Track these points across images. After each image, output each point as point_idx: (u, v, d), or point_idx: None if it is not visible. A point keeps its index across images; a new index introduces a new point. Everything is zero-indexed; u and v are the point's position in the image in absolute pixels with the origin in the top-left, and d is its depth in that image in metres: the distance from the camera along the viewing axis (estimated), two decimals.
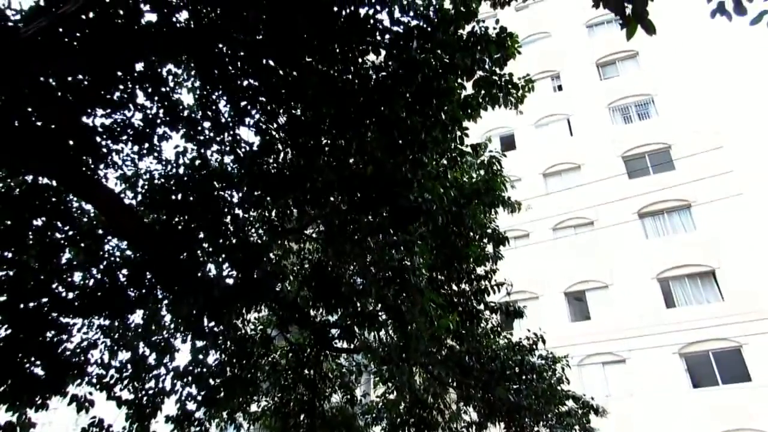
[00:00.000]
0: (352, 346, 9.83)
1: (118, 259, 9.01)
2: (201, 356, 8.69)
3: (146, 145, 8.91)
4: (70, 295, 8.40)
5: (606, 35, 34.07)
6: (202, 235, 8.51)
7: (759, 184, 26.02)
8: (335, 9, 7.08)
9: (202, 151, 9.23)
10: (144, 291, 8.66)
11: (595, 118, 32.27)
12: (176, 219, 8.55)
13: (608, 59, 33.96)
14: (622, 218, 28.26)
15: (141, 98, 8.52)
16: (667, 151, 29.14)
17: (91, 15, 7.08)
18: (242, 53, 7.87)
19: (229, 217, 8.87)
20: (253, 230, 9.75)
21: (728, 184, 26.13)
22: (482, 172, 10.32)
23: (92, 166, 8.10)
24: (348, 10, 6.64)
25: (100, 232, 8.74)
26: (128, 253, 9.10)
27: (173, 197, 8.66)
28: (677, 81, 30.31)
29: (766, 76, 27.57)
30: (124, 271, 8.80)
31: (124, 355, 9.35)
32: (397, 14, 6.89)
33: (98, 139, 8.26)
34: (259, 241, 9.14)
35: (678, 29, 30.35)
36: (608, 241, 28.29)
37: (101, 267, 8.76)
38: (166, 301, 9.15)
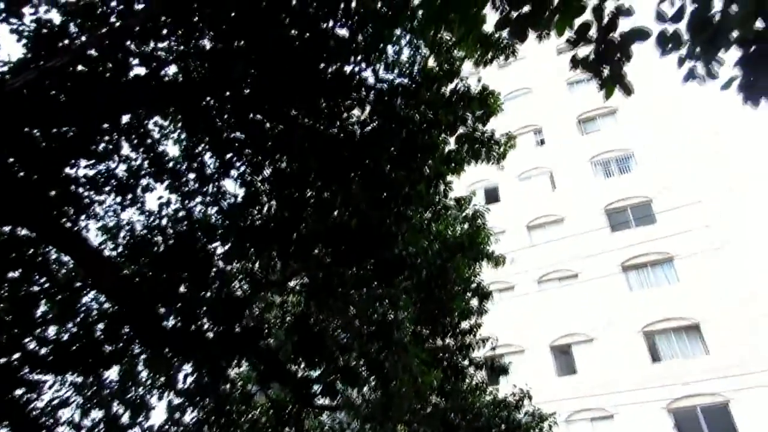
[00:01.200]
0: (334, 403, 9.58)
1: (95, 313, 8.80)
2: (178, 414, 8.40)
3: (129, 196, 8.86)
4: (44, 351, 8.15)
5: (586, 92, 35.07)
6: (183, 289, 8.37)
7: (737, 238, 26.39)
8: (322, 65, 7.24)
9: (186, 202, 9.19)
10: (121, 346, 8.43)
11: (577, 172, 32.84)
12: (157, 271, 8.42)
13: (589, 115, 34.86)
14: (606, 271, 28.38)
15: (126, 149, 8.55)
16: (648, 204, 29.61)
17: (79, 68, 7.17)
18: (229, 106, 7.96)
19: (212, 269, 8.75)
20: (235, 283, 9.62)
21: (708, 238, 26.50)
22: (466, 225, 10.36)
23: (73, 217, 8.02)
24: (334, 67, 6.78)
25: (78, 284, 8.57)
26: (106, 306, 8.90)
27: (155, 249, 8.56)
28: (655, 136, 31.11)
29: (740, 132, 28.37)
30: (101, 325, 8.58)
31: (96, 414, 9.01)
32: (382, 72, 7.05)
33: (81, 189, 8.20)
34: (242, 294, 9.01)
35: (655, 86, 31.36)
36: (593, 294, 28.30)
37: (77, 321, 8.54)
38: (143, 356, 8.90)
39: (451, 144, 7.72)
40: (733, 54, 3.31)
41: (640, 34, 3.47)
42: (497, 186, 34.97)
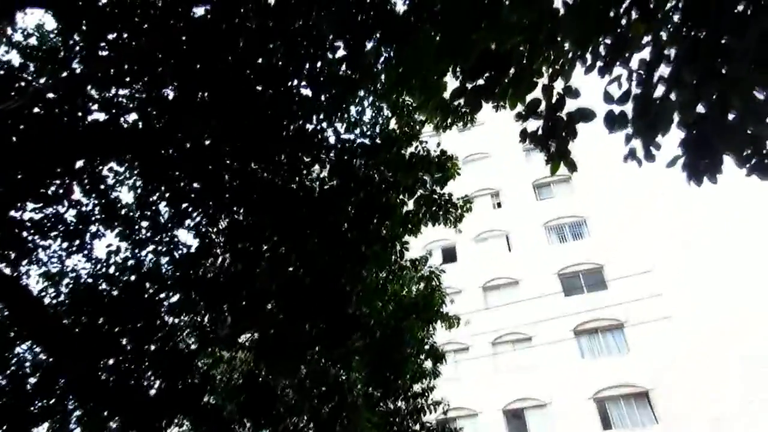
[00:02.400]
0: None
1: (28, 365, 8.29)
2: None
3: (77, 242, 8.56)
4: None
5: (541, 159, 35.88)
6: (126, 341, 8.01)
7: (687, 307, 27.13)
8: (285, 122, 7.31)
9: (137, 251, 8.93)
10: (53, 401, 7.93)
11: (533, 236, 33.54)
12: (100, 322, 8.06)
13: (544, 181, 35.94)
14: (559, 336, 28.61)
15: (77, 194, 8.31)
16: (600, 271, 30.30)
17: (36, 110, 7.03)
18: (189, 157, 7.89)
19: (158, 321, 8.43)
20: (182, 336, 9.28)
21: (658, 307, 27.15)
22: (422, 285, 10.35)
23: (14, 262, 7.67)
24: (297, 125, 6.85)
25: (11, 334, 8.10)
26: (42, 357, 8.42)
27: (100, 298, 8.22)
28: (607, 204, 32.22)
29: (690, 204, 29.61)
30: (34, 379, 8.08)
31: None
32: (343, 132, 7.15)
33: (25, 233, 7.89)
34: (188, 349, 8.68)
35: (608, 156, 32.71)
36: (546, 359, 28.38)
37: (7, 373, 8.02)
38: (77, 413, 8.38)
39: (410, 205, 7.81)
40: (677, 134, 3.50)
41: (584, 115, 3.63)
42: (455, 246, 35.30)
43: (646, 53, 3.42)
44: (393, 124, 8.81)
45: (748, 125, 2.88)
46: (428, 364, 11.02)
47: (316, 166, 7.44)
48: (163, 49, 7.24)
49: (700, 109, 3.05)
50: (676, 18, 3.54)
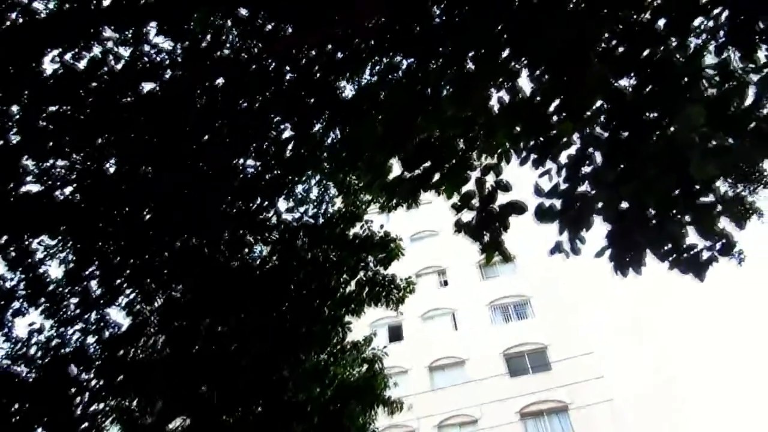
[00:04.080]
0: None
1: None
2: None
3: None
4: None
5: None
6: (43, 430, 7.38)
7: (628, 390, 27.41)
8: (228, 199, 7.23)
9: (63, 330, 8.41)
10: None
11: (478, 315, 33.62)
12: (14, 407, 7.42)
13: None
14: (505, 418, 28.17)
15: (1, 268, 7.87)
16: (544, 351, 30.44)
17: None
18: (126, 231, 7.64)
19: (80, 406, 7.85)
20: (107, 423, 8.63)
21: (600, 389, 27.30)
22: (365, 367, 10.08)
23: None
24: (239, 203, 6.78)
25: None
26: None
27: (15, 380, 7.61)
28: (550, 285, 32.85)
29: (630, 287, 30.59)
30: None
31: None
32: (287, 210, 7.12)
33: None
34: None
35: (549, 236, 33.69)
36: None
37: None
38: None
39: (352, 285, 7.74)
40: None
41: (516, 208, 3.76)
42: (401, 324, 34.96)
43: (575, 150, 3.62)
44: (339, 202, 8.85)
45: (665, 224, 3.03)
46: None
47: (259, 245, 7.33)
48: (106, 122, 7.15)
49: (625, 205, 3.21)
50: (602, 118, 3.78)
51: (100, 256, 7.85)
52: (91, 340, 8.62)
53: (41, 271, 8.20)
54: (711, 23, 4.67)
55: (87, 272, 8.25)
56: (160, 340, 8.27)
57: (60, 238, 8.50)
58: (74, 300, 8.43)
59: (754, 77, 3.67)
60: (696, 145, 2.84)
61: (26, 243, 7.94)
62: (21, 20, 6.37)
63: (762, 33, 3.98)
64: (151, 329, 8.24)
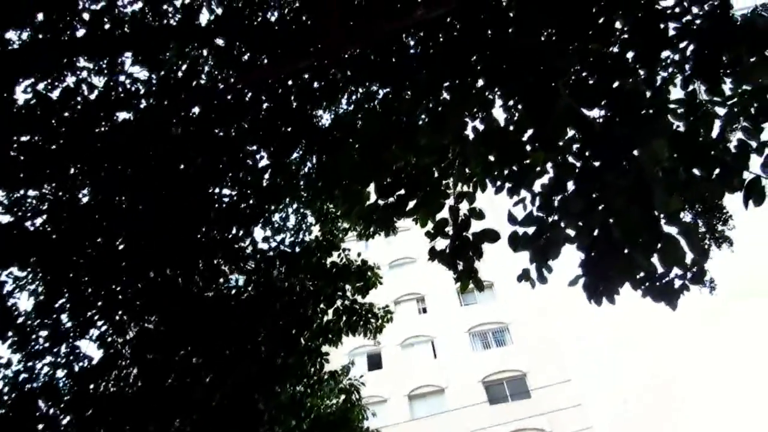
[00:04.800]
0: None
1: None
2: None
3: None
4: None
5: None
6: None
7: (605, 418, 27.43)
8: (203, 229, 7.16)
9: (31, 363, 8.16)
10: None
11: (457, 342, 33.51)
12: None
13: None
14: None
15: None
16: (523, 379, 30.39)
17: None
18: (97, 262, 7.50)
19: None
20: None
21: (579, 417, 27.29)
22: (342, 397, 9.93)
23: None
24: (215, 233, 6.72)
25: None
26: None
27: None
28: (528, 312, 32.98)
29: (608, 313, 30.94)
30: None
31: None
32: (263, 241, 7.07)
33: None
34: None
35: (526, 264, 33.89)
36: None
37: None
38: None
39: (329, 314, 7.67)
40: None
41: (489, 236, 3.79)
42: (380, 352, 34.67)
43: (548, 179, 3.69)
44: (317, 230, 8.83)
45: (633, 254, 3.08)
46: None
47: (235, 274, 7.25)
48: (79, 152, 7.07)
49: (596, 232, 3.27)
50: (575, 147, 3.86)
51: (71, 288, 7.68)
52: (61, 373, 8.37)
53: (10, 303, 7.98)
54: (677, 56, 4.83)
55: (58, 304, 8.05)
56: (133, 372, 8.06)
57: (30, 269, 8.31)
58: (44, 333, 8.20)
59: (720, 110, 3.79)
60: (659, 179, 2.91)
61: None
62: None
63: (727, 66, 4.12)
64: (123, 362, 8.04)
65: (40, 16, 6.36)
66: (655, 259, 3.14)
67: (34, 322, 8.22)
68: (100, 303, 7.73)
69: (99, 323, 7.99)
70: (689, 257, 3.16)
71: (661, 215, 2.90)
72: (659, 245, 2.90)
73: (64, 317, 8.12)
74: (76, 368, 8.13)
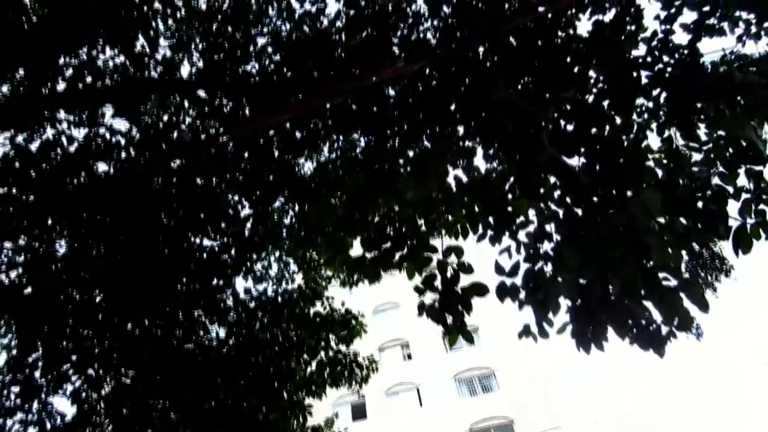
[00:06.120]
0: None
1: None
2: None
3: None
4: None
5: None
6: None
7: None
8: (184, 279, 7.03)
9: (1, 421, 7.82)
10: None
11: (443, 389, 32.92)
12: None
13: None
14: None
15: None
16: (511, 425, 29.83)
17: None
18: (72, 315, 7.30)
19: None
20: None
21: None
22: None
23: None
24: (194, 286, 6.60)
25: None
26: None
27: None
28: (514, 357, 32.61)
29: (594, 357, 30.80)
30: None
31: None
32: (245, 291, 6.96)
33: None
34: None
35: (512, 306, 33.75)
36: None
37: None
38: None
39: (313, 366, 7.50)
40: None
41: (479, 290, 3.76)
42: (365, 401, 33.92)
43: (533, 228, 3.70)
44: (300, 279, 8.72)
45: (629, 306, 3.06)
46: None
47: (215, 326, 7.09)
48: (57, 203, 6.97)
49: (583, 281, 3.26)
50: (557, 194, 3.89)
51: (45, 342, 7.45)
52: (32, 431, 8.04)
53: None
54: (651, 104, 4.95)
55: (30, 359, 7.79)
56: (108, 429, 7.76)
57: (3, 323, 8.07)
58: (15, 389, 7.90)
59: (697, 156, 3.86)
60: (655, 232, 2.93)
61: None
62: None
63: (700, 113, 4.23)
64: (97, 418, 7.74)
65: (21, 71, 6.36)
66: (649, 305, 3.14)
67: (5, 378, 7.92)
68: (74, 357, 7.49)
69: (73, 378, 7.72)
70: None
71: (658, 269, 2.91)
72: (658, 299, 2.90)
73: (37, 373, 7.84)
74: (48, 426, 7.81)
